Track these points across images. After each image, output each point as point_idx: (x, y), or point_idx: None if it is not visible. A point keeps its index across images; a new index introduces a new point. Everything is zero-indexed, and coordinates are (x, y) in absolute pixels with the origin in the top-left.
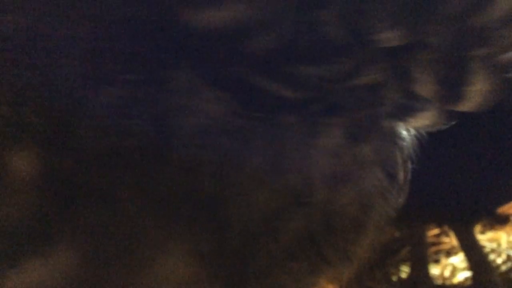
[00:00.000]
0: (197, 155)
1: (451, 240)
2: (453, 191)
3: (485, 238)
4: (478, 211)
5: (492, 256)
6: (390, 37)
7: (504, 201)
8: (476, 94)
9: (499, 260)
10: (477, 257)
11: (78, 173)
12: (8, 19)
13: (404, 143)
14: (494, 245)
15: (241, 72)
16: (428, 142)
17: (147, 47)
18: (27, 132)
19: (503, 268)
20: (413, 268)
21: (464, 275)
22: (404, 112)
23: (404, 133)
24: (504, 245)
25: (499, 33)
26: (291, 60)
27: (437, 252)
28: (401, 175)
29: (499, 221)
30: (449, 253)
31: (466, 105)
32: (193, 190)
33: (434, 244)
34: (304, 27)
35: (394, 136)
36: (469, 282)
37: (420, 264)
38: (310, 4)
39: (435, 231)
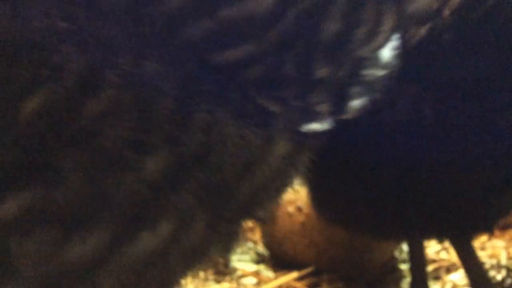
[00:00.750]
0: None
1: (451, 256)
2: (453, 206)
3: (485, 255)
4: (477, 226)
5: (492, 273)
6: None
7: (503, 215)
8: None
9: (499, 277)
10: (477, 274)
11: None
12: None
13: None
14: (494, 261)
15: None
16: (428, 159)
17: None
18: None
19: (504, 284)
20: (413, 285)
21: None
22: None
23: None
24: (504, 261)
25: None
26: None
27: (437, 269)
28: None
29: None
30: (449, 269)
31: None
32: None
33: (434, 261)
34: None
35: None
36: None
37: (421, 281)
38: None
39: (435, 247)
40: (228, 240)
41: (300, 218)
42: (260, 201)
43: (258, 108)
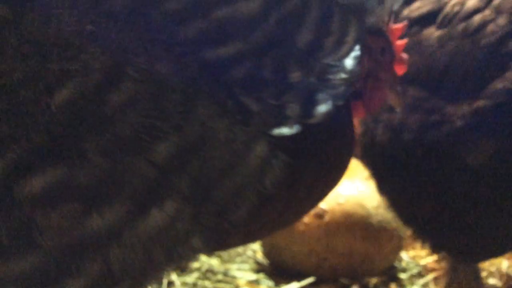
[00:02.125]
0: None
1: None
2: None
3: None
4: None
5: (492, 281)
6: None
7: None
8: None
9: (499, 284)
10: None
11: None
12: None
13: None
14: (493, 269)
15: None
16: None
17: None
18: None
19: None
20: None
21: None
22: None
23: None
24: (504, 268)
25: None
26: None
27: (438, 278)
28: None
29: None
30: None
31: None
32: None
33: (434, 270)
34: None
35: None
36: None
37: None
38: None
39: (435, 256)
40: (209, 234)
41: (300, 227)
42: (237, 199)
43: (240, 106)
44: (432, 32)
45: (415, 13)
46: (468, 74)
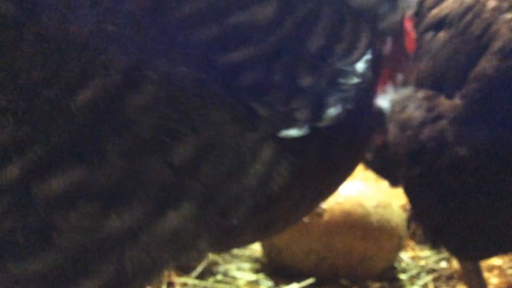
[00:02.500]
0: None
1: (451, 266)
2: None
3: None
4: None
5: (495, 280)
6: None
7: None
8: None
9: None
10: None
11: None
12: None
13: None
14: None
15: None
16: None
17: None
18: None
19: None
20: None
21: None
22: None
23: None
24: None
25: None
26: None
27: (437, 278)
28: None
29: None
30: (449, 279)
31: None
32: None
33: (434, 270)
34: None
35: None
36: None
37: None
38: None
39: (435, 257)
40: (215, 236)
41: (299, 226)
42: (244, 201)
43: (249, 111)
44: None
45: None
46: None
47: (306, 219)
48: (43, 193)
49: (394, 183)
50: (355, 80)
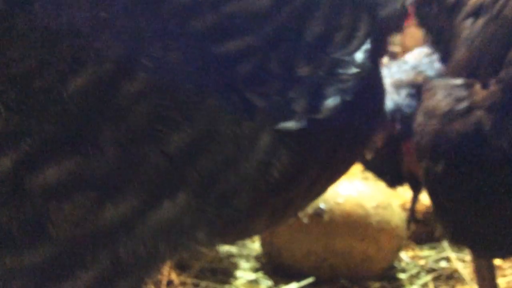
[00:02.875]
0: None
1: (451, 265)
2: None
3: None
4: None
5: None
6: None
7: None
8: None
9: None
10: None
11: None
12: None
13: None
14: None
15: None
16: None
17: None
18: None
19: None
20: None
21: None
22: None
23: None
24: None
25: None
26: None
27: (438, 278)
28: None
29: None
30: (449, 278)
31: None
32: None
33: (434, 270)
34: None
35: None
36: None
37: None
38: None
39: (435, 257)
40: (213, 226)
41: (299, 227)
42: (242, 191)
43: (245, 102)
44: None
45: None
46: None
47: (306, 220)
48: (37, 184)
49: (391, 184)
50: (354, 70)
